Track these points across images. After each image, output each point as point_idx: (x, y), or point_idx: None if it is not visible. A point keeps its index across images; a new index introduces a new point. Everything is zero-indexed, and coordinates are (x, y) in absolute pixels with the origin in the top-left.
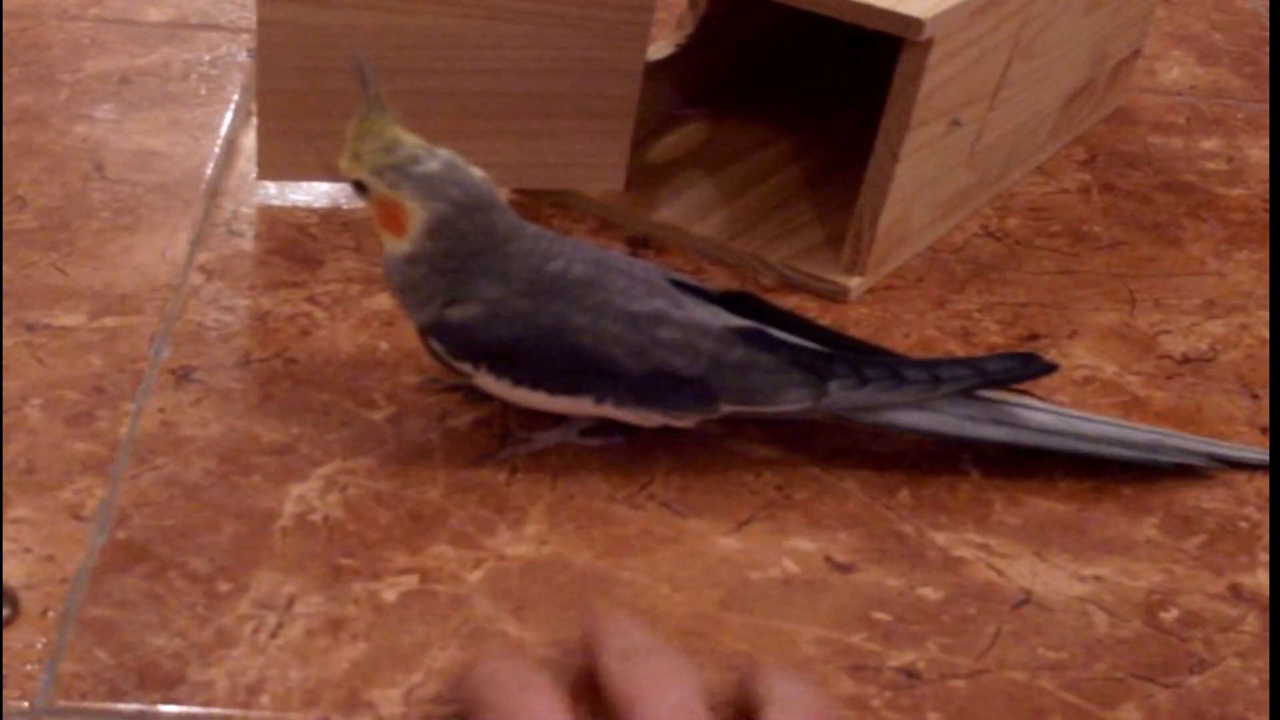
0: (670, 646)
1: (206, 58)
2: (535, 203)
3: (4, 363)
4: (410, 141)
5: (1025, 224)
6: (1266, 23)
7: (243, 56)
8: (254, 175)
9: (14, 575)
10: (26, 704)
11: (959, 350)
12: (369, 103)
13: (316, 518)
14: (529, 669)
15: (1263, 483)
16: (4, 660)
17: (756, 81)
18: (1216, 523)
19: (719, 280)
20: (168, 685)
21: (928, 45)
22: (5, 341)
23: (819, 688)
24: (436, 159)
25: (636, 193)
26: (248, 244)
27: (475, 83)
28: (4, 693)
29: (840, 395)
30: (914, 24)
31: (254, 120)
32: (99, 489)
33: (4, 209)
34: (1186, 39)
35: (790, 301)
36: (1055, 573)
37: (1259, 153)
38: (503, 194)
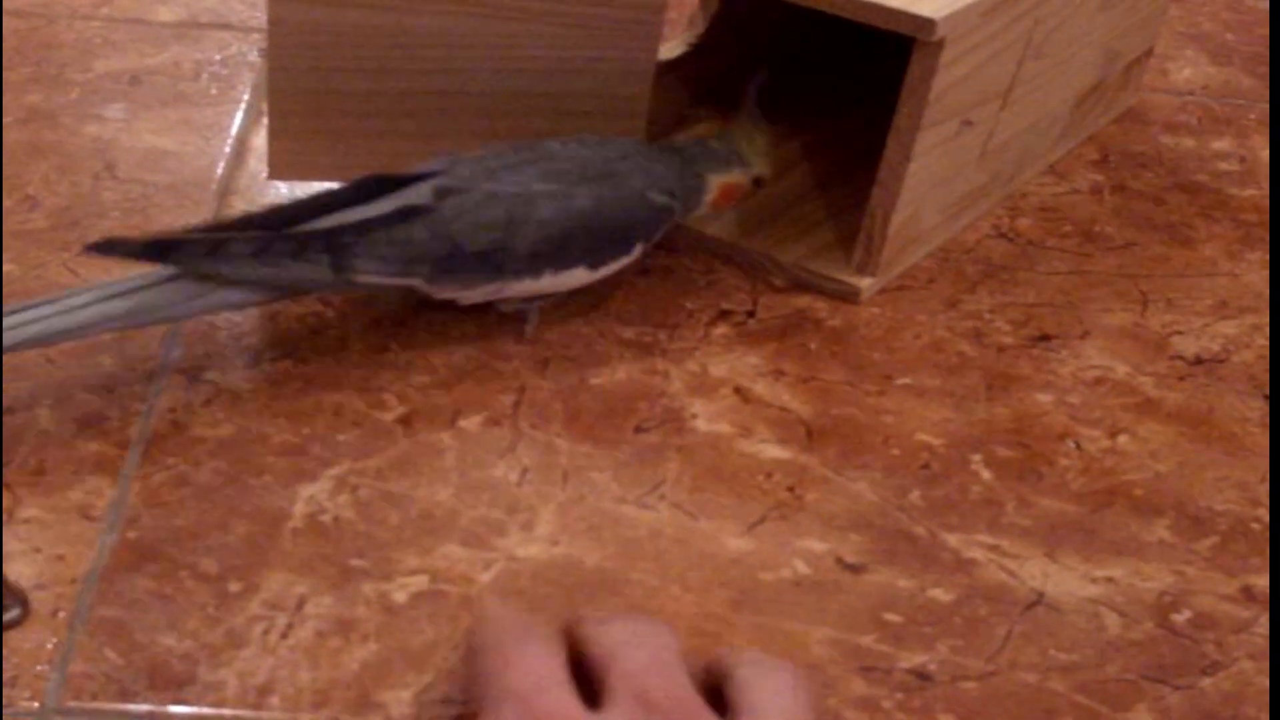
0: (645, 616)
1: (217, 57)
2: None
3: (15, 363)
4: None
5: (1037, 224)
6: None
7: (253, 56)
8: (265, 175)
9: (24, 575)
10: (37, 704)
11: (971, 353)
12: (755, 114)
13: (327, 518)
14: (529, 620)
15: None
16: (15, 661)
17: (768, 81)
18: (1228, 524)
19: (730, 282)
20: (178, 686)
21: (940, 46)
22: None
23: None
24: None
25: None
26: None
27: (486, 82)
28: (15, 693)
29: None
30: (926, 24)
31: (265, 120)
32: (109, 489)
33: (15, 209)
34: (1198, 38)
35: (801, 301)
36: (1067, 574)
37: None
38: None
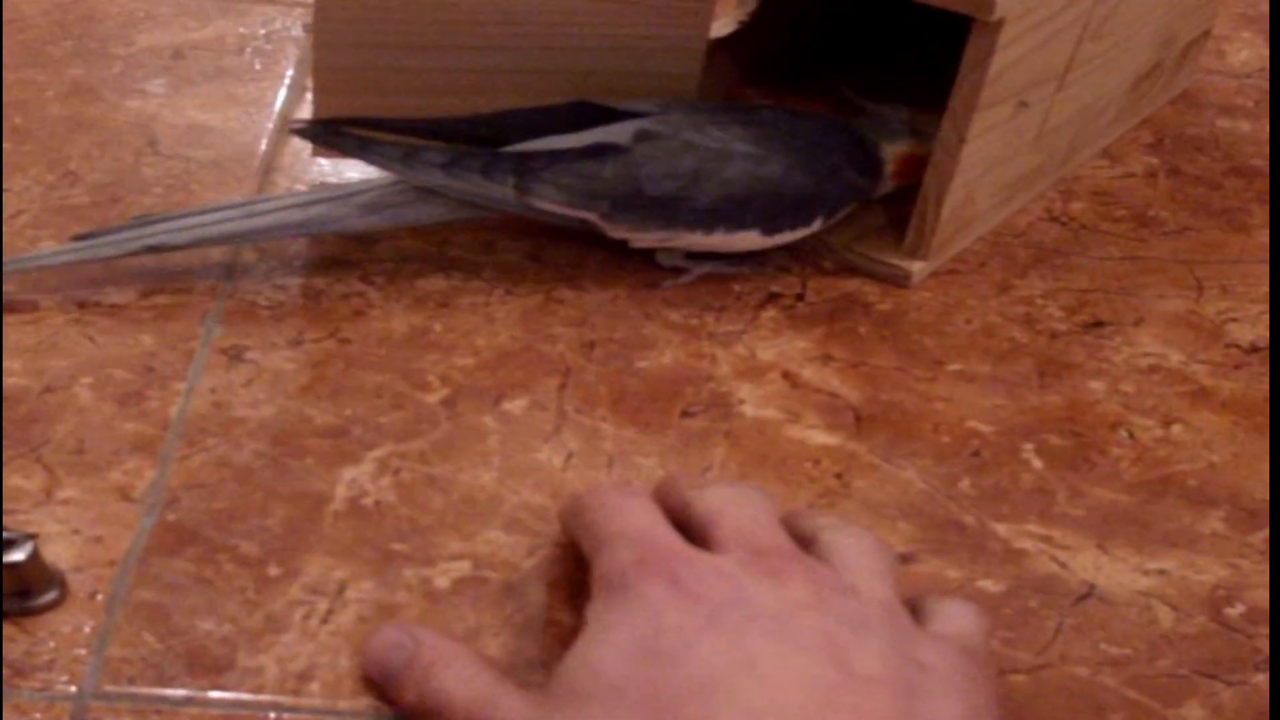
0: (741, 482)
1: (261, 32)
2: None
3: (55, 341)
4: None
5: (1090, 208)
6: None
7: (297, 31)
8: (308, 151)
9: (62, 557)
10: (74, 688)
11: (1023, 339)
12: (881, 108)
13: (368, 501)
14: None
15: None
16: (53, 644)
17: (819, 59)
18: None
19: (779, 264)
20: (216, 671)
21: (998, 25)
22: (56, 319)
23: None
24: None
25: None
26: None
27: (536, 59)
28: (53, 676)
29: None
30: (985, 4)
31: (309, 96)
32: (148, 470)
33: (57, 184)
34: (1256, 20)
35: (851, 285)
36: (1118, 566)
37: None
38: None
